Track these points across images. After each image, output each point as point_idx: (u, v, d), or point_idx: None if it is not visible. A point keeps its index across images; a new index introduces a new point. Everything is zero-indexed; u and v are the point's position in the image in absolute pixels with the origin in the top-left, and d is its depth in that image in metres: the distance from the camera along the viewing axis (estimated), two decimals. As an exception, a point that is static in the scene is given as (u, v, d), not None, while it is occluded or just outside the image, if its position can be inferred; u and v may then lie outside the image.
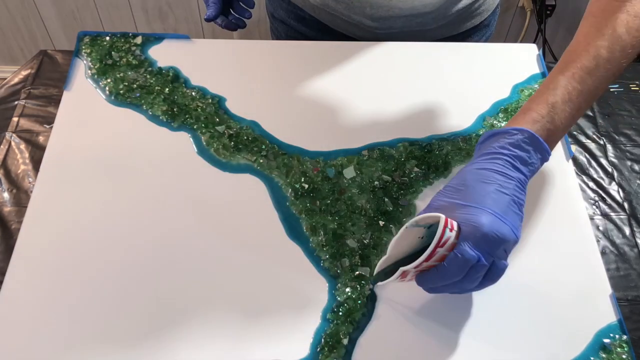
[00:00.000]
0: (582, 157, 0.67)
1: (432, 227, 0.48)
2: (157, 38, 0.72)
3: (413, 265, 0.47)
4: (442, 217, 0.45)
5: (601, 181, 0.65)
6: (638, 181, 0.65)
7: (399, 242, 0.49)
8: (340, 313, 0.52)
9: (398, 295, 0.54)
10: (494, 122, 0.66)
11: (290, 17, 0.81)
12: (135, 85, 0.67)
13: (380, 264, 0.51)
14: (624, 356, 0.51)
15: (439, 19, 0.74)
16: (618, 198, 0.64)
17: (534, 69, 0.71)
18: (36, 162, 0.62)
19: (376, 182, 0.60)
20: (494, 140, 0.51)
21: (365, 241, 0.57)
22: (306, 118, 0.66)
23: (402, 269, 0.48)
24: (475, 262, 0.46)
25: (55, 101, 0.67)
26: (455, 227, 0.46)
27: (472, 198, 0.47)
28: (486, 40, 0.83)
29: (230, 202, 0.59)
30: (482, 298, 0.54)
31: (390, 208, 0.59)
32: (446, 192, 0.50)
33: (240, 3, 0.72)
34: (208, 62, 0.70)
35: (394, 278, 0.49)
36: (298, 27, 0.81)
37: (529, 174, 0.50)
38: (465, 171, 0.50)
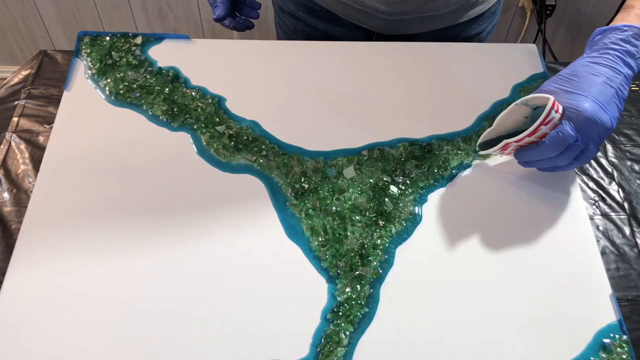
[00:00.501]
0: (582, 157, 0.67)
1: (537, 110, 0.55)
2: (157, 38, 0.72)
3: (516, 138, 0.54)
4: (551, 98, 0.52)
5: (601, 181, 0.65)
6: (638, 181, 0.65)
7: (506, 116, 0.57)
8: (340, 313, 0.52)
9: (398, 296, 0.54)
10: (494, 122, 0.66)
11: (300, 10, 0.81)
12: (135, 85, 0.67)
13: (485, 135, 0.59)
14: (624, 356, 0.51)
15: (450, 3, 0.74)
16: (618, 198, 0.64)
17: (534, 69, 0.71)
18: (36, 162, 0.62)
19: (376, 182, 0.60)
20: (604, 37, 0.56)
21: (365, 241, 0.57)
22: (306, 118, 0.66)
23: (505, 140, 0.55)
24: (573, 142, 0.52)
25: (55, 101, 0.67)
26: (560, 110, 0.52)
27: (580, 87, 0.53)
28: (493, 28, 0.84)
29: (230, 202, 0.59)
30: (481, 298, 0.54)
31: (390, 208, 0.59)
32: (557, 80, 0.55)
33: (247, 5, 0.73)
34: (208, 62, 0.70)
35: (496, 148, 0.56)
36: (308, 20, 0.81)
37: (636, 69, 0.56)
38: (577, 64, 0.56)
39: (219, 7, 0.70)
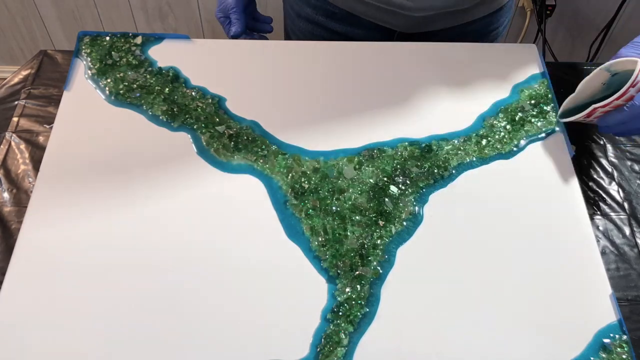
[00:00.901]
0: (582, 157, 0.67)
1: (615, 76, 0.58)
2: (157, 38, 0.72)
3: (604, 102, 0.56)
4: (639, 60, 0.54)
5: (601, 181, 0.65)
6: (638, 181, 0.65)
7: (588, 81, 0.60)
8: (340, 313, 0.52)
9: (398, 296, 0.54)
10: (494, 122, 0.66)
11: (318, 14, 0.80)
12: (135, 85, 0.67)
13: (565, 104, 0.62)
14: (624, 356, 0.51)
15: None
16: (618, 198, 0.64)
17: (534, 69, 0.71)
18: (36, 162, 0.62)
19: (376, 182, 0.60)
20: None
21: (365, 241, 0.57)
22: (306, 118, 0.66)
23: (593, 106, 0.57)
24: None
25: (55, 101, 0.67)
26: None
27: None
28: (508, 22, 0.85)
29: (230, 202, 0.59)
30: (482, 298, 0.54)
31: (390, 208, 0.59)
32: (634, 46, 0.58)
33: (259, 20, 0.74)
34: (208, 62, 0.70)
35: (583, 114, 0.58)
36: (326, 23, 0.81)
37: None
38: None
39: (234, 24, 0.70)
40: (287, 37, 0.91)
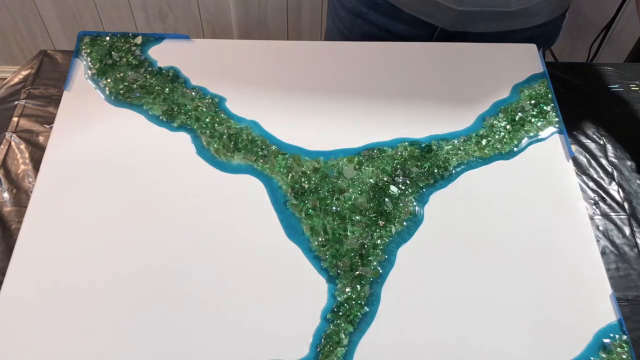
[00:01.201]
0: (582, 157, 0.67)
1: None
2: (157, 38, 0.72)
3: None
4: None
5: (601, 181, 0.65)
6: (638, 181, 0.65)
7: None
8: (340, 313, 0.52)
9: (399, 296, 0.54)
10: (494, 122, 0.66)
11: (361, 4, 0.80)
12: (135, 85, 0.67)
13: None
14: (624, 356, 0.51)
15: (521, 1, 0.73)
16: (618, 198, 0.64)
17: (534, 69, 0.71)
18: (36, 162, 0.62)
19: (376, 182, 0.60)
20: None
21: (365, 241, 0.57)
22: (306, 118, 0.66)
23: None
24: None
25: (55, 101, 0.67)
26: None
27: None
28: (551, 43, 0.83)
29: (229, 202, 0.59)
30: (482, 298, 0.54)
31: (390, 208, 0.59)
32: None
33: None
34: (208, 62, 0.70)
35: None
36: (368, 15, 0.80)
37: None
38: None
39: None
40: (328, 27, 0.90)
